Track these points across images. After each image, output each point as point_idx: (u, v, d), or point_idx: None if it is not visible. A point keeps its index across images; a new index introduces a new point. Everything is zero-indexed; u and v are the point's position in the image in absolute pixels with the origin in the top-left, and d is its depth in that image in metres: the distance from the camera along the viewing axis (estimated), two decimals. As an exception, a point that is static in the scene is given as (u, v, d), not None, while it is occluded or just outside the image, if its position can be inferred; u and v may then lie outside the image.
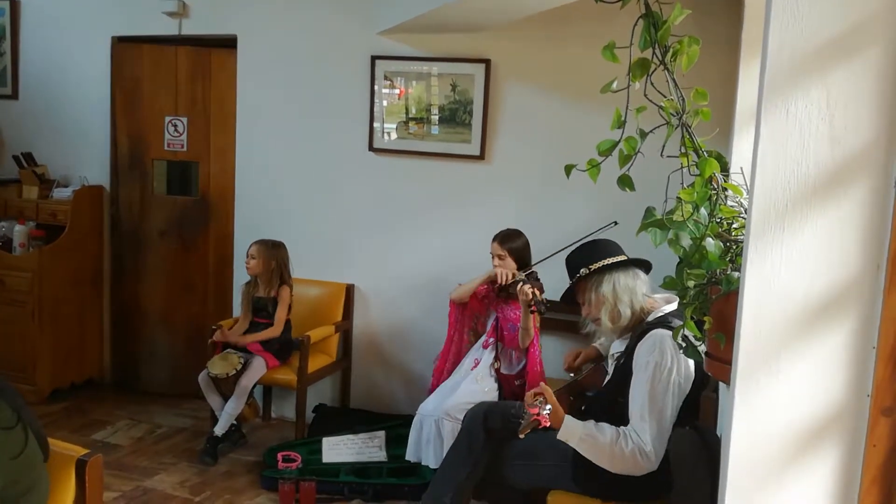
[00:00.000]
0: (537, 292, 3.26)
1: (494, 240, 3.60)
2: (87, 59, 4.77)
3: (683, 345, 2.07)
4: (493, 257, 3.59)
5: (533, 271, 3.50)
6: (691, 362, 2.46)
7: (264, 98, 4.45)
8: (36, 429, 1.70)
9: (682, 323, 2.47)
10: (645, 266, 2.72)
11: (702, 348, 2.13)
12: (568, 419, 2.48)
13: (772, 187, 1.40)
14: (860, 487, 1.42)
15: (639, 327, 2.58)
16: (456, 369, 3.68)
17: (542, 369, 3.51)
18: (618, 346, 2.71)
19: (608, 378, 2.71)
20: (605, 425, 2.46)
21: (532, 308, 3.27)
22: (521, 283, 3.31)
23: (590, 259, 2.69)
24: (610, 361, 2.75)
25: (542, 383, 2.57)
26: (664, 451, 2.38)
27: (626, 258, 2.70)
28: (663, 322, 2.53)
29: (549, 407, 2.38)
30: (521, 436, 2.38)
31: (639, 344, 2.50)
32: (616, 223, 3.30)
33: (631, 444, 2.38)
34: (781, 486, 1.48)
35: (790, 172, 1.38)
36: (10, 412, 1.64)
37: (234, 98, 4.53)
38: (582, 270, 2.67)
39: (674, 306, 2.62)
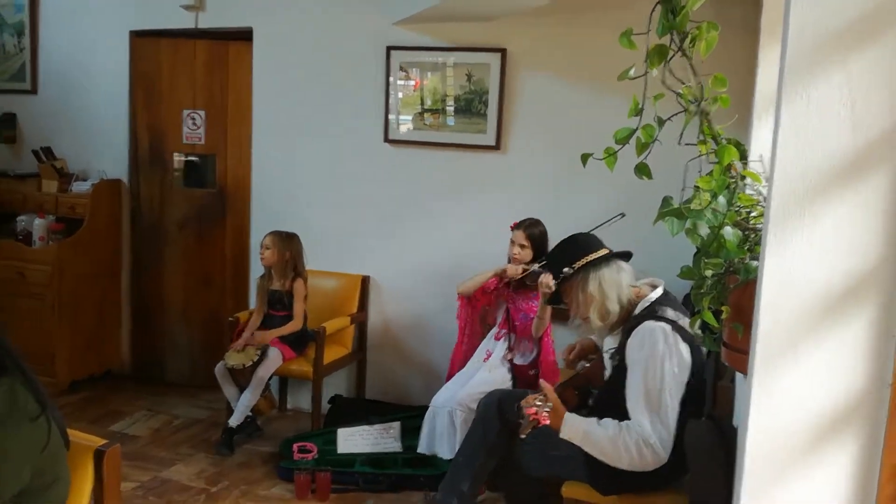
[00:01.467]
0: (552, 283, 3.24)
1: (518, 227, 3.58)
2: (106, 53, 4.80)
3: (701, 333, 2.05)
4: (512, 245, 3.57)
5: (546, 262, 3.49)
6: (685, 349, 2.42)
7: (280, 90, 4.46)
8: (58, 420, 1.71)
9: (669, 310, 2.47)
10: (626, 256, 2.67)
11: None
12: (569, 417, 2.44)
13: (792, 175, 1.38)
14: (879, 478, 1.40)
15: (628, 322, 2.54)
16: (469, 361, 3.68)
17: (555, 358, 3.50)
18: (611, 343, 2.68)
19: (607, 375, 2.67)
20: (608, 420, 2.43)
21: (548, 300, 3.26)
22: (542, 275, 3.29)
23: (572, 257, 2.61)
24: (606, 357, 2.72)
25: (542, 381, 2.53)
26: (672, 442, 2.36)
27: (608, 251, 2.64)
28: (651, 313, 2.49)
29: (549, 405, 2.36)
30: (523, 436, 2.37)
31: (629, 340, 2.47)
32: (623, 214, 3.26)
33: (634, 437, 2.35)
34: (799, 477, 1.47)
35: (810, 159, 1.37)
36: (35, 403, 1.65)
37: (250, 91, 4.54)
38: (565, 270, 2.59)
39: (660, 291, 2.59)
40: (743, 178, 1.92)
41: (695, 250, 2.03)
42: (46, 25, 4.97)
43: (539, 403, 2.35)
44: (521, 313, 3.57)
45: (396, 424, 3.86)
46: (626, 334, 2.51)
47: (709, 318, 1.92)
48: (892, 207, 1.35)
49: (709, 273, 1.96)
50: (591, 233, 2.76)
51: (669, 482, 2.50)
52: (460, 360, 3.77)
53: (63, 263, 4.53)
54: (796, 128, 1.36)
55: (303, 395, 4.48)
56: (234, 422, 3.90)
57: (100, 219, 4.73)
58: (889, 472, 1.40)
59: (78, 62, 4.89)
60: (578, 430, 2.43)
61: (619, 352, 2.54)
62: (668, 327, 2.42)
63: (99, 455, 1.78)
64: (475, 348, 3.74)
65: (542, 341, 3.50)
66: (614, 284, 2.56)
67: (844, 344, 1.41)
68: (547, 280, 3.21)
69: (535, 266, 3.42)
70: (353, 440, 3.79)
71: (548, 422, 2.33)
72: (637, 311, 2.55)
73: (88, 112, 4.89)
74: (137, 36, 4.74)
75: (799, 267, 1.40)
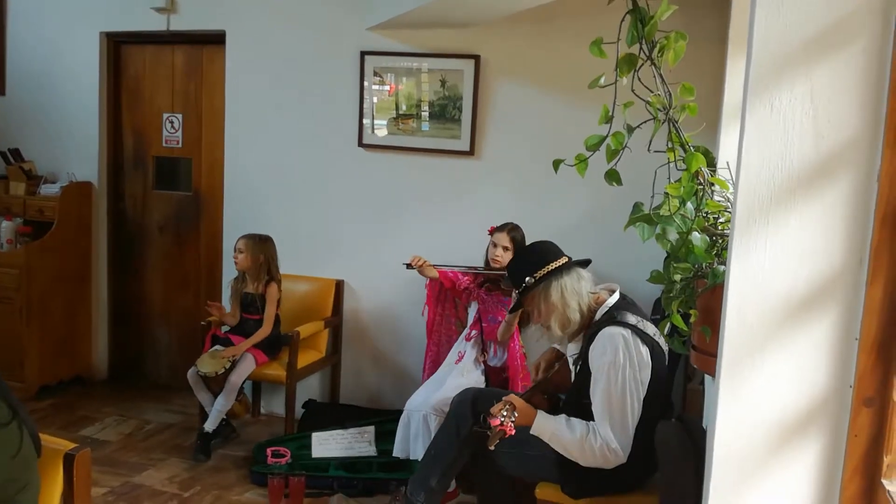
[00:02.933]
0: None
1: (501, 230, 3.60)
2: (75, 54, 4.75)
3: (670, 337, 2.09)
4: (494, 247, 3.58)
5: None
6: (645, 350, 2.48)
7: (253, 93, 4.44)
8: (30, 426, 1.70)
9: (629, 315, 2.51)
10: (584, 264, 2.70)
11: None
12: (540, 416, 2.52)
13: (756, 181, 1.42)
14: (842, 477, 1.44)
15: (589, 328, 2.59)
16: (442, 364, 3.70)
17: (523, 363, 3.52)
18: (573, 349, 2.73)
19: (573, 381, 2.72)
20: (575, 421, 2.51)
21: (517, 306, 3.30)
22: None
23: (534, 266, 2.62)
24: (570, 362, 2.76)
25: (511, 394, 2.56)
26: (630, 444, 2.44)
27: (567, 259, 2.67)
28: (611, 318, 2.53)
29: (515, 415, 2.41)
30: (491, 447, 2.41)
31: (591, 347, 2.53)
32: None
33: (599, 440, 2.44)
34: (766, 476, 1.51)
35: (774, 166, 1.40)
36: (6, 409, 1.63)
37: (223, 94, 4.52)
38: (527, 280, 2.61)
39: (616, 295, 2.64)
40: (711, 184, 1.97)
41: (663, 256, 2.07)
42: (14, 26, 4.90)
43: (505, 414, 2.39)
44: (489, 315, 3.60)
45: (371, 429, 3.86)
46: (588, 340, 2.55)
47: (678, 321, 1.96)
48: (854, 213, 1.39)
49: (678, 277, 2.00)
50: (550, 241, 2.78)
51: (639, 484, 2.56)
52: (429, 358, 3.81)
53: (31, 267, 4.47)
54: (761, 135, 1.40)
55: (276, 400, 4.46)
56: (209, 426, 3.87)
57: (69, 221, 4.68)
58: (851, 471, 1.43)
59: (47, 63, 4.83)
60: (547, 429, 2.51)
61: (582, 357, 2.59)
62: (627, 332, 2.48)
63: (69, 459, 1.77)
64: (450, 343, 3.76)
65: (509, 346, 3.53)
66: (575, 293, 2.59)
67: (809, 346, 1.45)
68: None
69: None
70: (328, 444, 3.79)
71: (513, 432, 2.38)
72: (597, 316, 2.60)
73: (58, 114, 4.84)
74: (118, 41, 4.75)
75: (764, 271, 1.44)
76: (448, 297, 3.83)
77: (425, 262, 3.65)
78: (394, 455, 3.52)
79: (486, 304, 3.65)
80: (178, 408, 4.51)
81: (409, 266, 3.67)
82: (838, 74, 1.36)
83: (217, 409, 3.86)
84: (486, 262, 3.66)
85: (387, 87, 4.19)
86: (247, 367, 3.91)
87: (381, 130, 4.23)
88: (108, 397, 4.69)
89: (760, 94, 1.40)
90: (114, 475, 3.63)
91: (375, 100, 4.20)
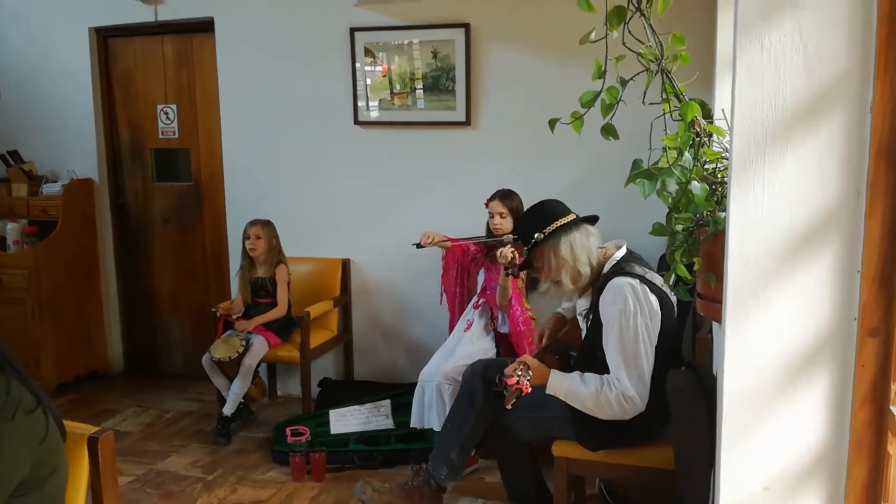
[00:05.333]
0: (516, 254, 3.29)
1: (494, 198, 3.62)
2: (66, 52, 4.75)
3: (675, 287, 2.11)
4: (491, 217, 3.60)
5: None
6: (654, 299, 2.51)
7: (246, 78, 4.44)
8: (53, 412, 1.73)
9: (636, 266, 2.55)
10: (592, 220, 2.75)
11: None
12: (554, 374, 2.57)
13: (751, 122, 1.43)
14: (852, 407, 1.46)
15: (598, 281, 2.63)
16: (452, 332, 3.74)
17: (528, 328, 3.55)
18: (583, 304, 2.76)
19: (584, 335, 2.75)
20: (589, 375, 2.54)
21: (508, 271, 3.34)
22: (506, 245, 3.35)
23: (542, 223, 2.67)
24: (580, 319, 2.79)
25: (525, 355, 2.61)
26: (648, 392, 2.47)
27: (575, 216, 2.71)
28: (619, 269, 2.58)
29: (529, 373, 2.45)
30: (508, 406, 2.46)
31: (601, 298, 2.57)
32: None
33: (615, 391, 2.47)
34: (777, 413, 1.53)
35: (768, 105, 1.41)
36: (31, 396, 1.67)
37: (216, 81, 4.52)
38: (536, 236, 2.66)
39: (623, 250, 2.68)
40: (708, 133, 1.98)
41: (665, 213, 2.09)
42: (2, 27, 4.90)
43: (520, 373, 2.43)
44: (493, 283, 3.63)
45: (386, 402, 3.91)
46: (598, 293, 2.59)
47: (681, 271, 1.98)
48: (849, 146, 1.40)
49: (679, 228, 2.02)
50: (557, 199, 2.80)
51: (653, 435, 2.59)
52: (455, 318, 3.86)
53: (40, 266, 4.51)
54: (752, 76, 1.41)
55: (292, 381, 4.51)
56: (227, 410, 3.92)
57: (73, 219, 4.71)
58: (860, 401, 1.46)
59: (38, 62, 4.83)
60: (562, 386, 2.55)
61: (593, 310, 2.62)
62: (635, 282, 2.51)
63: (93, 442, 1.81)
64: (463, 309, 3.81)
65: (509, 312, 3.56)
66: (584, 247, 2.63)
67: (811, 282, 1.47)
68: (505, 251, 3.27)
69: (511, 237, 3.45)
70: (346, 420, 3.84)
71: (529, 390, 2.42)
72: (605, 269, 2.64)
73: (53, 113, 4.85)
74: (107, 35, 4.74)
75: (763, 211, 1.45)
76: (462, 266, 3.86)
77: (435, 236, 3.66)
78: (411, 426, 3.57)
79: (492, 273, 3.67)
80: (195, 396, 4.57)
81: (419, 246, 3.66)
82: (826, 8, 1.37)
83: (234, 393, 3.91)
84: (488, 232, 3.68)
85: (379, 68, 4.18)
86: (260, 349, 3.95)
87: (375, 112, 4.23)
88: (126, 390, 4.75)
89: (750, 35, 1.40)
90: (138, 464, 3.69)
91: (369, 81, 4.19)
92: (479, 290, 3.75)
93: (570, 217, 2.69)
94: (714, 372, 2.38)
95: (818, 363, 1.50)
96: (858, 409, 1.45)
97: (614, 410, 2.48)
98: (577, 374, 2.57)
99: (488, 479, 3.43)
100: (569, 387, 2.53)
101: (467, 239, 3.70)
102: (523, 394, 2.42)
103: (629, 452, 2.61)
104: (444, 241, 3.68)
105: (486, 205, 3.66)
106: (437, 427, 3.44)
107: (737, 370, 1.55)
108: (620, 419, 2.50)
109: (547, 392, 2.54)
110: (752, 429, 1.56)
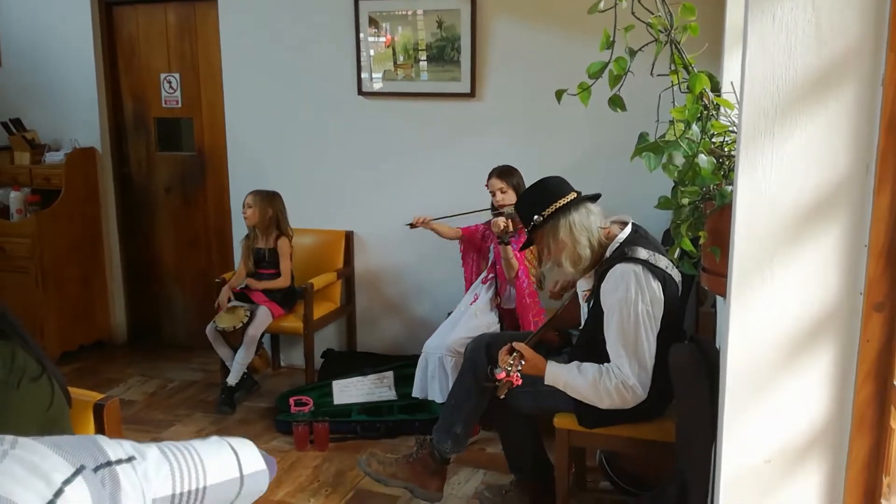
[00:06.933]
0: (509, 224, 3.28)
1: (492, 175, 3.61)
2: (69, 20, 4.70)
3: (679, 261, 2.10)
4: (493, 193, 3.60)
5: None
6: (657, 285, 2.47)
7: (249, 48, 4.40)
8: (59, 379, 1.74)
9: (640, 249, 2.51)
10: (594, 198, 2.67)
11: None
12: (550, 366, 2.53)
13: (761, 93, 1.41)
14: (855, 382, 1.46)
15: (600, 265, 2.57)
16: (458, 305, 3.74)
17: (533, 300, 3.55)
18: (584, 285, 2.71)
19: (584, 319, 2.73)
20: (587, 365, 2.51)
21: (501, 240, 3.36)
22: (500, 217, 3.37)
23: (541, 204, 2.59)
24: (581, 299, 2.78)
25: (518, 343, 2.56)
26: (650, 380, 2.45)
27: (576, 194, 2.64)
28: (622, 255, 2.51)
29: (522, 363, 2.43)
30: (501, 397, 2.45)
31: (602, 284, 2.51)
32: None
33: (614, 380, 2.44)
34: (780, 387, 1.53)
35: (779, 77, 1.39)
36: (36, 363, 1.67)
37: (219, 50, 4.48)
38: (535, 218, 2.59)
39: (628, 229, 2.60)
40: (717, 106, 1.96)
41: (663, 190, 2.07)
42: (5, -5, 4.86)
43: (511, 363, 2.42)
44: (502, 258, 3.63)
45: (389, 374, 3.93)
46: (600, 277, 2.54)
47: (686, 245, 1.97)
48: (859, 120, 1.39)
49: (686, 201, 2.01)
50: (559, 176, 2.75)
51: (654, 414, 2.59)
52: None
53: (43, 235, 4.52)
54: (763, 48, 1.39)
55: (295, 352, 4.53)
56: (232, 380, 3.95)
57: (76, 188, 4.70)
58: (864, 376, 1.46)
59: (40, 30, 4.79)
60: (560, 378, 2.53)
61: (594, 295, 2.58)
62: (638, 268, 2.46)
63: (98, 409, 1.82)
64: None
65: (516, 284, 3.56)
66: (584, 229, 2.56)
67: (818, 256, 1.46)
68: (497, 220, 3.26)
69: (509, 209, 3.45)
70: (349, 391, 3.86)
71: (520, 382, 2.41)
72: (608, 253, 2.57)
73: (55, 81, 4.82)
74: (110, 3, 4.70)
75: (771, 184, 1.44)
76: (477, 249, 3.85)
77: (426, 218, 3.67)
78: (413, 395, 3.59)
79: (499, 248, 3.67)
80: (198, 366, 4.60)
81: (412, 226, 3.68)
82: (840, -21, 1.34)
83: (238, 363, 3.94)
84: (493, 208, 3.67)
85: (383, 39, 4.14)
86: (263, 319, 3.97)
87: (378, 83, 4.19)
88: (130, 359, 4.78)
89: (762, 6, 1.38)
90: (142, 433, 3.72)
91: (372, 52, 4.15)
92: (488, 265, 3.75)
93: (570, 196, 2.61)
94: (717, 345, 2.38)
95: (823, 337, 1.50)
96: (862, 384, 1.45)
97: (614, 400, 2.45)
98: (574, 364, 2.54)
99: (489, 450, 3.46)
100: (566, 379, 2.51)
101: (458, 214, 3.70)
102: (514, 385, 2.41)
103: (631, 427, 2.62)
104: (435, 220, 3.73)
105: (486, 185, 3.66)
106: (439, 398, 3.46)
107: (741, 344, 1.55)
108: (621, 408, 2.48)
109: (546, 383, 2.53)
110: (754, 402, 1.57)
